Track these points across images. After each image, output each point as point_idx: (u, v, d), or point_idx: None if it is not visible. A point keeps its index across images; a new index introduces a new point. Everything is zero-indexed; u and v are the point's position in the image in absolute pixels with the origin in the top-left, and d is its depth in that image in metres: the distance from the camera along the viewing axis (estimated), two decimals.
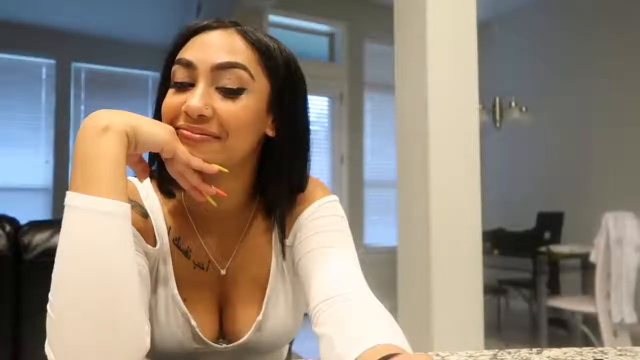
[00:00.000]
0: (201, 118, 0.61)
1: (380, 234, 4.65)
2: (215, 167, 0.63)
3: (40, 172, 4.74)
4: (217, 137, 0.63)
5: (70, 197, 0.53)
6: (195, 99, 0.61)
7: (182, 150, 0.61)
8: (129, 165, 0.62)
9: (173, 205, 0.73)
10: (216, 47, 0.64)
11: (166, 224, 0.72)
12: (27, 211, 3.72)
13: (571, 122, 4.45)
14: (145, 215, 0.69)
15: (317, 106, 4.84)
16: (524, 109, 4.08)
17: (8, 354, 1.16)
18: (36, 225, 1.22)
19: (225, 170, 0.64)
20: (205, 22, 0.67)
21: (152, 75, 5.20)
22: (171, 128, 0.62)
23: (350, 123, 4.89)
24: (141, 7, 4.54)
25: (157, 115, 0.68)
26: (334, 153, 4.87)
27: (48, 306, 0.51)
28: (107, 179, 0.53)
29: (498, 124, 4.16)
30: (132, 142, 0.57)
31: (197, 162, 0.62)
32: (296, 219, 0.74)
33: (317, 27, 4.98)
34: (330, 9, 4.79)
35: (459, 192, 1.99)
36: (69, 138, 4.85)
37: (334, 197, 0.77)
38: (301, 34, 4.88)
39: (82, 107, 4.95)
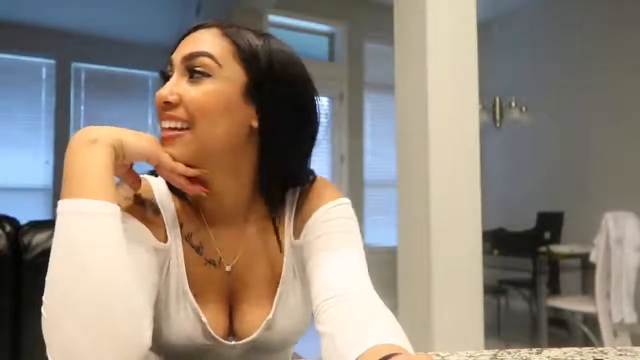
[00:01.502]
0: (169, 105, 0.66)
1: (380, 234, 4.65)
2: (195, 171, 0.67)
3: (40, 172, 4.74)
4: (186, 128, 0.66)
5: (60, 204, 0.55)
6: (163, 89, 0.67)
7: (166, 159, 0.65)
8: (121, 177, 0.66)
9: (186, 202, 0.75)
10: (189, 42, 0.69)
11: (178, 220, 0.73)
12: (27, 211, 3.72)
13: (571, 122, 4.45)
14: (156, 211, 0.70)
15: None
16: (524, 109, 4.08)
17: (8, 353, 1.16)
18: (36, 225, 1.22)
19: (206, 171, 0.68)
20: (191, 27, 0.72)
21: (152, 75, 5.20)
22: (153, 138, 0.66)
23: (350, 123, 4.89)
24: (141, 8, 4.54)
25: None
26: (334, 153, 4.87)
27: (42, 308, 0.52)
28: (94, 183, 0.56)
29: (498, 124, 4.16)
30: (119, 153, 0.61)
31: (180, 168, 0.66)
32: (307, 219, 0.74)
33: (317, 27, 4.98)
34: (330, 9, 4.79)
35: (459, 192, 1.99)
36: (69, 138, 4.82)
37: (346, 200, 0.77)
38: (301, 34, 4.89)
39: (82, 107, 4.95)
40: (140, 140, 0.63)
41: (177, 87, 0.66)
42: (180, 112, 0.66)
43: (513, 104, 4.07)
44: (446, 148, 1.98)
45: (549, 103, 4.53)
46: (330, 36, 5.07)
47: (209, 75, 0.66)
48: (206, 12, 4.22)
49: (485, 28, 3.40)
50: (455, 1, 2.04)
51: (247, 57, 0.68)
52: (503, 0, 4.72)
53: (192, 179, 0.68)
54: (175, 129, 0.66)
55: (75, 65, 4.89)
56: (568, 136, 4.47)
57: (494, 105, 4.13)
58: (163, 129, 0.67)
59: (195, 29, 0.70)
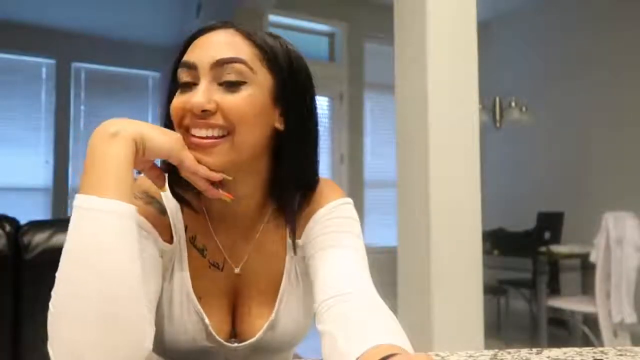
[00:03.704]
0: (205, 113, 0.64)
1: (380, 234, 4.65)
2: (220, 176, 0.65)
3: (40, 172, 4.74)
4: (225, 135, 0.64)
5: (77, 199, 0.54)
6: (197, 96, 0.63)
7: (189, 159, 0.63)
8: (143, 172, 0.65)
9: (189, 206, 0.74)
10: (215, 45, 0.66)
11: (183, 222, 0.72)
12: (27, 211, 3.72)
13: (571, 122, 4.45)
14: (163, 212, 0.70)
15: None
16: (524, 109, 4.08)
17: (8, 353, 1.16)
18: (36, 225, 1.22)
19: (229, 177, 0.66)
20: (206, 25, 0.69)
21: (152, 75, 5.21)
22: (178, 136, 0.64)
23: (350, 123, 4.89)
24: (141, 8, 4.54)
25: (166, 120, 0.70)
26: (334, 153, 4.86)
27: (50, 303, 0.52)
28: (112, 181, 0.55)
29: (498, 124, 4.16)
30: (140, 148, 0.59)
31: (203, 170, 0.64)
32: (310, 219, 0.74)
33: (317, 27, 4.98)
34: (330, 9, 4.79)
35: (459, 192, 1.99)
36: (69, 138, 4.85)
37: (349, 200, 0.78)
38: (301, 34, 4.88)
39: (82, 107, 4.96)
40: (163, 136, 0.61)
41: (211, 93, 0.64)
42: (218, 119, 0.64)
43: (513, 104, 4.07)
44: (446, 148, 1.98)
45: (549, 103, 4.53)
46: (330, 36, 5.07)
47: (244, 82, 0.65)
48: (206, 12, 4.21)
49: (485, 28, 3.40)
50: (455, 1, 2.03)
51: (271, 59, 0.68)
52: (503, 0, 4.72)
53: (213, 182, 0.66)
54: (212, 137, 0.64)
55: (75, 65, 4.89)
56: (568, 136, 4.47)
57: (494, 105, 4.13)
58: (196, 137, 0.64)
59: (210, 29, 0.68)
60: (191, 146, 0.64)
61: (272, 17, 4.48)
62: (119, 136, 0.57)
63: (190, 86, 0.66)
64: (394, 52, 2.18)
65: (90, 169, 0.55)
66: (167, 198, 0.72)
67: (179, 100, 0.66)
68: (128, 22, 4.72)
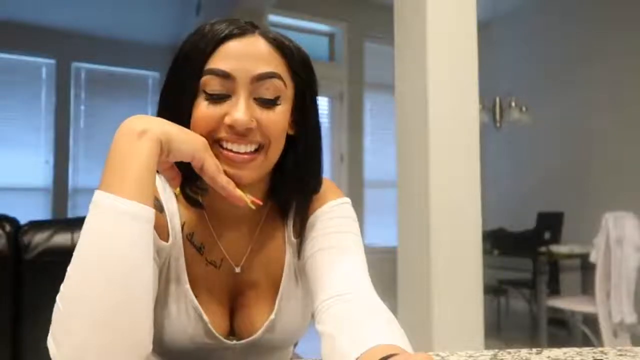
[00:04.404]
0: (246, 130, 0.63)
1: (380, 234, 4.65)
2: (237, 192, 0.64)
3: (40, 172, 4.75)
4: (258, 150, 0.65)
5: (97, 195, 0.54)
6: (240, 113, 0.63)
7: (210, 165, 0.61)
8: (161, 172, 0.64)
9: (199, 207, 0.73)
10: (251, 57, 0.64)
11: (180, 219, 0.72)
12: (27, 211, 3.72)
13: (571, 122, 4.45)
14: (161, 209, 0.69)
15: None
16: (524, 109, 4.08)
17: (8, 353, 1.16)
18: (36, 225, 1.22)
19: (248, 202, 0.65)
20: (227, 30, 0.65)
21: (152, 75, 5.21)
22: (203, 139, 0.62)
23: (350, 123, 4.89)
24: (141, 7, 4.54)
25: (169, 118, 0.66)
26: (334, 153, 4.87)
27: (58, 297, 0.52)
28: (135, 182, 0.54)
29: (498, 124, 4.16)
30: (165, 149, 0.58)
31: (221, 181, 0.62)
32: (308, 218, 0.75)
33: (317, 27, 4.98)
34: (330, 9, 4.80)
35: (459, 192, 1.99)
36: (69, 138, 4.85)
37: (347, 200, 0.78)
38: (301, 34, 4.89)
39: (82, 107, 4.96)
40: (188, 138, 0.60)
41: (252, 110, 0.64)
42: (257, 135, 0.64)
43: (513, 104, 4.07)
44: (446, 148, 1.98)
45: (549, 103, 4.53)
46: (330, 36, 5.07)
47: (279, 98, 0.66)
48: (206, 12, 4.22)
49: (485, 28, 3.40)
50: (455, 1, 2.03)
51: (293, 68, 0.68)
52: (503, 0, 4.72)
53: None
54: (248, 152, 0.64)
55: (75, 65, 4.90)
56: (568, 136, 4.47)
57: (494, 105, 4.13)
58: (233, 151, 0.64)
59: (237, 35, 0.65)
60: (224, 160, 0.64)
61: (272, 17, 4.48)
62: (147, 135, 0.56)
63: (222, 97, 0.64)
64: (394, 52, 2.18)
65: (113, 166, 0.55)
66: (164, 194, 0.71)
67: (211, 111, 0.64)
68: (128, 22, 4.72)
